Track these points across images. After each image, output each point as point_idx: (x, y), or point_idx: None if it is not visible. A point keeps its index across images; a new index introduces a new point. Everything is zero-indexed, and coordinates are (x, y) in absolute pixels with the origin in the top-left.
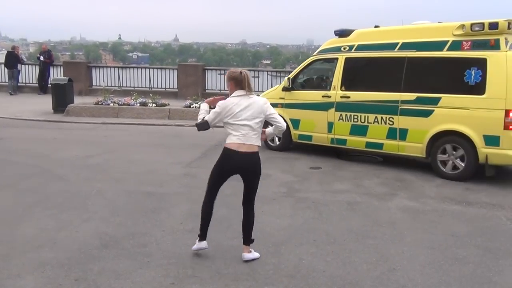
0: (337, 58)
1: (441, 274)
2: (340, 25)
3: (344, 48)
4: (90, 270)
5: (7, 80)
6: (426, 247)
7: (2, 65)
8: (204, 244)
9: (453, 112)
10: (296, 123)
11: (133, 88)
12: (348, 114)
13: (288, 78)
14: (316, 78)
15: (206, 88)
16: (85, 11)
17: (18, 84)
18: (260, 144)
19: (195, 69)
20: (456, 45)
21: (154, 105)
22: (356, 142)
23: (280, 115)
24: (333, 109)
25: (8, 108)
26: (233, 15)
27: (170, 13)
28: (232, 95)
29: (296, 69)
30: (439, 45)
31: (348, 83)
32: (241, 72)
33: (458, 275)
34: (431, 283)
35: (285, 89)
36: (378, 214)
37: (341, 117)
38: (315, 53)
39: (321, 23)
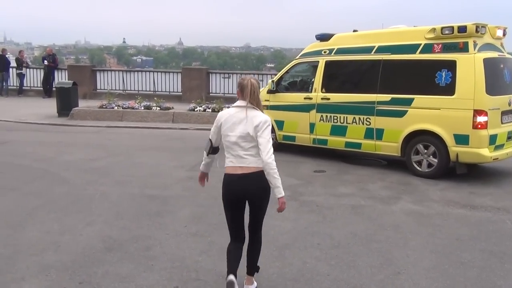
0: (318, 61)
1: (446, 278)
2: (343, 28)
3: (325, 52)
4: (94, 274)
5: (13, 84)
6: (430, 251)
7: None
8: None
9: (425, 112)
10: (280, 124)
11: (137, 92)
12: (328, 115)
13: (272, 81)
14: (299, 80)
15: (210, 91)
16: (89, 15)
17: (23, 87)
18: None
19: (199, 72)
20: (428, 48)
21: (158, 108)
22: (336, 142)
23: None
24: (314, 111)
25: (13, 111)
26: (237, 18)
27: (174, 16)
28: (233, 104)
29: (280, 72)
30: (412, 48)
31: (328, 85)
32: (246, 80)
33: (462, 279)
34: (435, 286)
35: (269, 91)
36: (382, 217)
37: (322, 118)
38: (297, 57)
39: (324, 27)
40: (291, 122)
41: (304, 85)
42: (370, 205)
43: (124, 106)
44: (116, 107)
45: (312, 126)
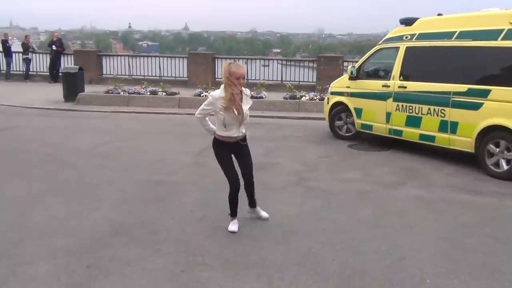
0: (398, 47)
1: (450, 263)
2: (350, 13)
3: (406, 37)
4: (101, 257)
5: (18, 69)
6: (435, 236)
7: (15, 54)
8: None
9: (502, 106)
10: (359, 112)
11: (143, 77)
12: (404, 104)
13: (353, 67)
14: (379, 67)
15: (216, 76)
16: (95, 0)
17: (30, 72)
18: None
19: (205, 57)
20: (511, 34)
21: (164, 93)
22: (411, 133)
23: (345, 103)
24: (391, 99)
25: (20, 96)
26: (243, 3)
27: (180, 1)
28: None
29: (362, 57)
30: (494, 34)
31: (406, 72)
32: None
33: (467, 264)
34: (440, 272)
35: (351, 78)
36: (387, 203)
37: (398, 108)
38: (380, 42)
39: (331, 12)
40: (369, 111)
41: (383, 72)
42: (375, 191)
43: (130, 91)
44: (122, 92)
45: (388, 115)
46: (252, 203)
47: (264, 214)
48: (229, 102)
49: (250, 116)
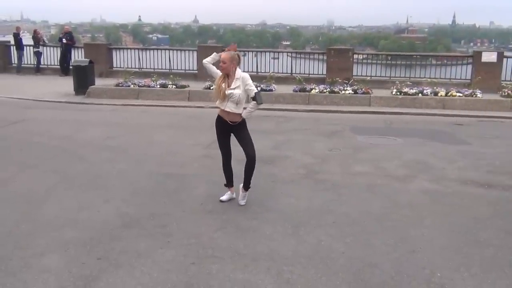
0: None
1: (462, 257)
2: (360, 5)
3: None
4: (112, 250)
5: (29, 62)
6: (446, 229)
7: (26, 47)
8: None
9: None
10: None
11: (153, 70)
12: None
13: None
14: None
15: None
16: None
17: (40, 66)
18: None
19: (215, 50)
20: None
21: (174, 86)
22: None
23: None
24: None
25: (31, 90)
26: None
27: None
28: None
29: None
30: None
31: None
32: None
33: (478, 257)
34: (451, 265)
35: None
36: (398, 196)
37: None
38: None
39: (342, 3)
40: None
41: None
42: (386, 184)
43: (140, 84)
44: (132, 85)
45: None
46: (246, 185)
47: (242, 202)
48: (217, 79)
49: (260, 108)
